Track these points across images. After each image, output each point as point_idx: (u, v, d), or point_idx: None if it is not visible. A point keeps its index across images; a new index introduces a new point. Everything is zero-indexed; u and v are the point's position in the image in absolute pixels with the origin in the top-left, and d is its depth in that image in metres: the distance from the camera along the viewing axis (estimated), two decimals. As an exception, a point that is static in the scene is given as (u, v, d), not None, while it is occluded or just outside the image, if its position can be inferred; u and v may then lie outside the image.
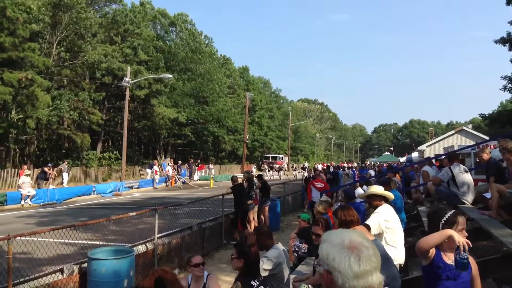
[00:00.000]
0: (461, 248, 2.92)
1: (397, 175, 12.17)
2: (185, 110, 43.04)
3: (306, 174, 18.22)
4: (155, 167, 29.81)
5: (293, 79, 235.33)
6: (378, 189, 5.27)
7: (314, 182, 13.04)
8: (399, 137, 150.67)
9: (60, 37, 32.16)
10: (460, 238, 2.98)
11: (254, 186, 13.15)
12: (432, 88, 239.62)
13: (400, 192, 8.83)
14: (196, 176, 36.98)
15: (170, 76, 32.60)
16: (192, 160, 39.11)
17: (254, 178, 13.88)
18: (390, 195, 5.30)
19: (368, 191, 5.40)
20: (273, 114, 72.25)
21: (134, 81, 30.44)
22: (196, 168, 38.03)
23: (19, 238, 5.47)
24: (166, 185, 30.13)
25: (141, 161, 41.24)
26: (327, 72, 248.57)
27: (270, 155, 58.14)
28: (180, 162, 37.53)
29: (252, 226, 11.58)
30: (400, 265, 5.07)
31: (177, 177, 31.24)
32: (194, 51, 46.69)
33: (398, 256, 4.96)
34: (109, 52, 34.94)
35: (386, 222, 4.94)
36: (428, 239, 3.12)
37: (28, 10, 27.23)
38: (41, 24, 29.56)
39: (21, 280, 5.43)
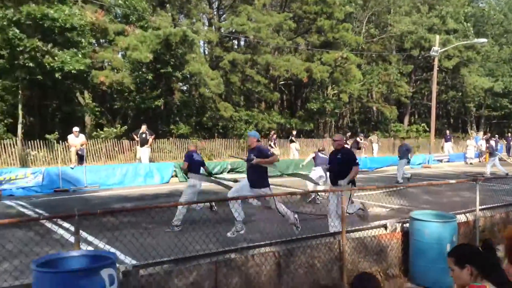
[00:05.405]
0: None
1: None
2: (502, 79, 38.04)
3: None
4: (470, 141, 27.88)
5: None
6: None
7: None
8: None
9: (369, 14, 33.59)
10: None
11: None
12: None
13: None
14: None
15: (485, 40, 29.26)
16: (510, 134, 34.45)
17: None
18: None
19: None
20: None
21: (443, 49, 28.84)
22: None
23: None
24: (479, 161, 27.76)
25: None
26: None
27: None
28: (497, 136, 33.62)
29: None
30: None
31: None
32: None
33: None
34: (416, 21, 34.29)
35: None
36: None
37: None
38: (353, 4, 31.61)
39: (352, 228, 6.08)
